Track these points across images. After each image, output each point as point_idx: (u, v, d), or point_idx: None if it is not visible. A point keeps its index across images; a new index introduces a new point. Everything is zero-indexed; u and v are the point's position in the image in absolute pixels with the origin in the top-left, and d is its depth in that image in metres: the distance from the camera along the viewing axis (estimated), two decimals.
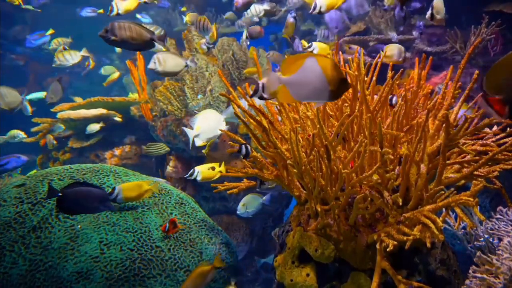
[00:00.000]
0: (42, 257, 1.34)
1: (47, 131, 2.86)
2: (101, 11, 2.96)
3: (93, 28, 2.97)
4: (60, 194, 1.19)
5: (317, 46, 1.99)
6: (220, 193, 2.50)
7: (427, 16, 1.91)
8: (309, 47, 1.96)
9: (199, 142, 1.74)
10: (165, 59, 1.71)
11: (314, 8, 1.81)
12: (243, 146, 1.37)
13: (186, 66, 1.77)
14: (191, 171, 1.74)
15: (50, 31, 3.50)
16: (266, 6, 2.71)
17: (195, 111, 2.49)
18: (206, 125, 1.74)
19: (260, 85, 1.28)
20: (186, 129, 1.78)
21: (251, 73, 2.60)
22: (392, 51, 2.07)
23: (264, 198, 2.11)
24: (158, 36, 1.39)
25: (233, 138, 1.51)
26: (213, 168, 1.75)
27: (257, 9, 2.74)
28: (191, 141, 1.72)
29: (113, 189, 1.40)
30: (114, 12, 1.88)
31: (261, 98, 1.31)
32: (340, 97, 0.93)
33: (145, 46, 1.41)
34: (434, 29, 2.92)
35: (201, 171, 1.73)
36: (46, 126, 2.86)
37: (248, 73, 2.60)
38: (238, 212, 2.06)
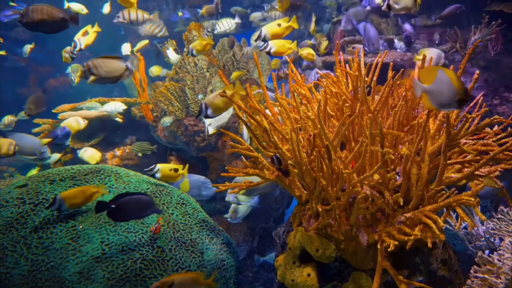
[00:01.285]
0: (44, 257, 1.35)
1: (48, 132, 2.86)
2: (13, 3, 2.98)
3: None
4: (113, 206, 1.29)
5: (274, 45, 1.86)
6: (221, 193, 2.50)
7: (383, 7, 1.82)
8: (265, 48, 1.86)
9: (211, 130, 1.79)
10: (101, 65, 1.56)
11: (259, 36, 1.83)
12: (274, 157, 1.37)
13: (127, 69, 1.60)
14: (152, 166, 1.76)
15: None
16: (237, 20, 2.72)
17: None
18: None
19: (203, 106, 1.31)
20: (204, 119, 1.84)
21: (238, 77, 2.60)
22: (430, 55, 1.88)
23: (252, 201, 2.11)
24: (70, 16, 1.37)
25: (234, 139, 1.51)
26: (175, 170, 1.77)
27: (228, 23, 2.75)
28: (206, 130, 1.77)
29: (54, 199, 1.38)
30: (77, 48, 2.02)
31: (206, 117, 1.34)
32: (464, 105, 1.05)
33: (59, 26, 1.38)
34: (434, 29, 2.92)
35: (161, 169, 1.75)
36: (48, 127, 2.87)
37: (235, 78, 2.59)
38: (228, 219, 2.07)
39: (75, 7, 2.80)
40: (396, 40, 2.74)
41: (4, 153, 1.91)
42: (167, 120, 2.52)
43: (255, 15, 3.74)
